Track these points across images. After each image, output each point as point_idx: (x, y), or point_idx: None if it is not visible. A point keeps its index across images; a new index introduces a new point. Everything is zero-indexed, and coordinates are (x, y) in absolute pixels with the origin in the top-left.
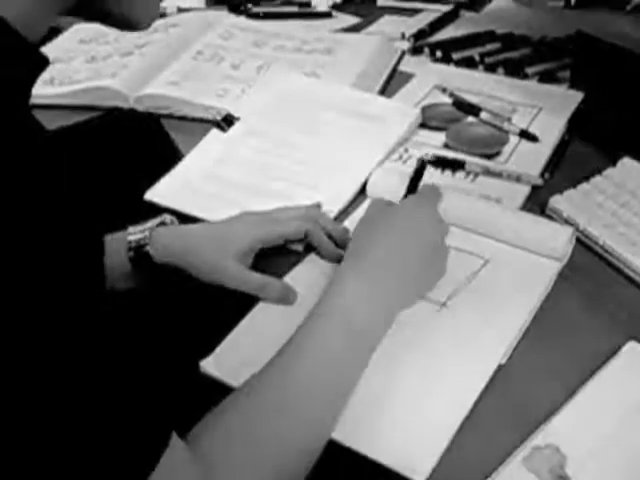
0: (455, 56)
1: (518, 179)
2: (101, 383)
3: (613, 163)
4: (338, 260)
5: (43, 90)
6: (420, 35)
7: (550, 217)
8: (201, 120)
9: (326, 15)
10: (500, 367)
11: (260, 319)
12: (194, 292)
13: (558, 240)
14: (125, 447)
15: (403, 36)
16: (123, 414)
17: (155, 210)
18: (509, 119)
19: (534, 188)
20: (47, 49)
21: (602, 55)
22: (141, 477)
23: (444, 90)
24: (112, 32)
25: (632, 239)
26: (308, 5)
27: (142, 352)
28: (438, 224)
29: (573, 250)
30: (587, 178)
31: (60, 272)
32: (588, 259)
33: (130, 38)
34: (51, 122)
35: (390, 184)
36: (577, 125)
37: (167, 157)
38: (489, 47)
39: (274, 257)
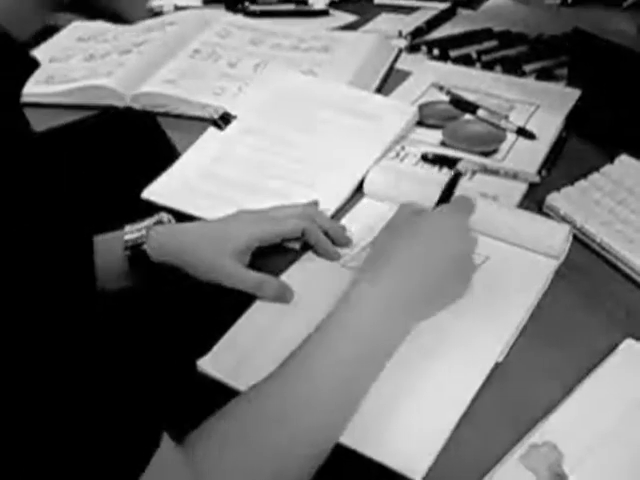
0: (452, 54)
1: (515, 177)
2: (92, 382)
3: (611, 160)
4: (335, 258)
5: (40, 89)
6: (417, 33)
7: (547, 215)
8: (198, 118)
9: (323, 13)
10: (497, 365)
11: (257, 318)
12: (191, 291)
13: (555, 238)
14: (116, 447)
15: (400, 34)
16: (114, 414)
17: (152, 209)
18: (506, 117)
19: (531, 186)
20: (45, 47)
21: (599, 52)
22: (131, 477)
23: (441, 88)
24: (111, 30)
25: (629, 236)
26: (305, 3)
27: (139, 351)
28: (467, 237)
29: (570, 248)
30: (584, 175)
31: (48, 271)
32: (585, 257)
33: (128, 36)
34: (48, 121)
35: (387, 182)
36: (574, 122)
37: (164, 155)
38: (486, 45)
39: (271, 255)
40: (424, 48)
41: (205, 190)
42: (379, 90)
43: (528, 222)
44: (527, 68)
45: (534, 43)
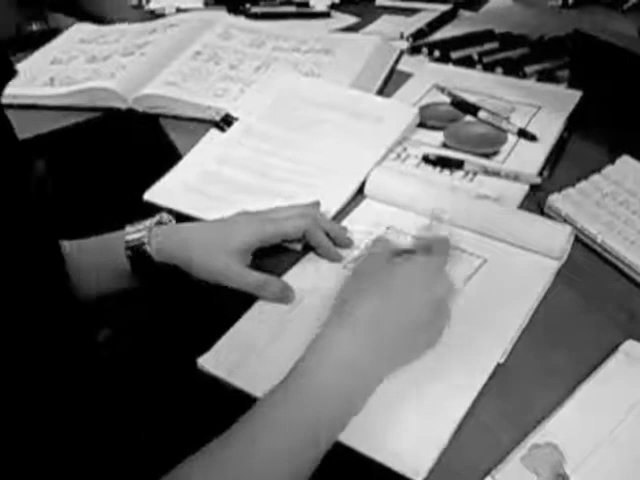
0: (453, 55)
1: (516, 178)
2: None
3: (612, 161)
4: (336, 259)
5: (43, 91)
6: (418, 35)
7: (549, 216)
8: (200, 120)
9: (324, 15)
10: (498, 366)
11: (258, 317)
12: (192, 290)
13: (556, 239)
14: None
15: (401, 36)
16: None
17: (154, 210)
18: (507, 118)
19: (532, 187)
20: (47, 49)
21: (600, 54)
22: None
23: (442, 89)
24: (113, 32)
25: (631, 237)
26: (306, 5)
27: (140, 349)
28: (440, 285)
29: (571, 249)
30: (586, 177)
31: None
32: (587, 258)
33: (130, 38)
34: (51, 123)
35: (389, 183)
36: (576, 124)
37: (166, 157)
38: (487, 46)
39: (272, 256)
40: (425, 50)
41: (207, 192)
42: (380, 92)
43: (529, 223)
44: (528, 70)
45: (535, 45)
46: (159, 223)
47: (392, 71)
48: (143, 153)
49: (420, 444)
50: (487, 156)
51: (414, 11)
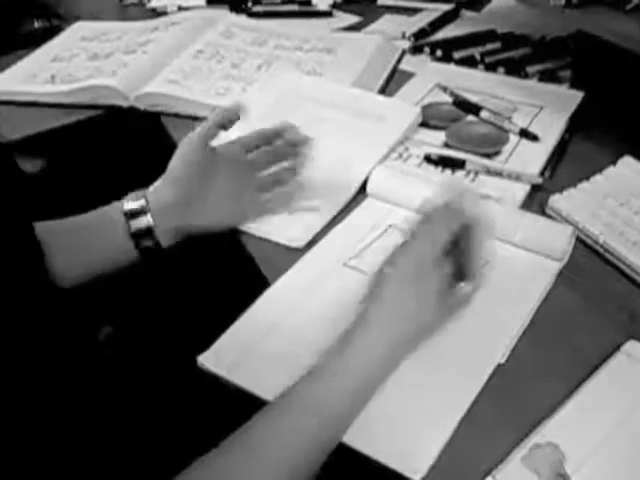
0: (456, 55)
1: (518, 178)
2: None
3: (613, 162)
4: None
5: (44, 88)
6: (420, 34)
7: (550, 216)
8: (201, 119)
9: (326, 14)
10: (499, 366)
11: (259, 315)
12: (193, 287)
13: (558, 239)
14: None
15: (403, 35)
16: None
17: None
18: (509, 118)
19: (534, 187)
20: (49, 46)
21: (603, 54)
22: None
23: (444, 89)
24: (114, 30)
25: (632, 238)
26: (308, 4)
27: (141, 347)
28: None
29: (573, 249)
30: (587, 177)
31: None
32: (588, 258)
33: (132, 36)
34: (52, 120)
35: (390, 182)
36: (578, 124)
37: (167, 156)
38: (489, 46)
39: (273, 255)
40: (427, 49)
41: None
42: (382, 91)
43: (531, 224)
44: (530, 70)
45: (537, 45)
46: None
47: (394, 70)
48: (144, 151)
49: (420, 443)
50: (489, 156)
51: (416, 10)
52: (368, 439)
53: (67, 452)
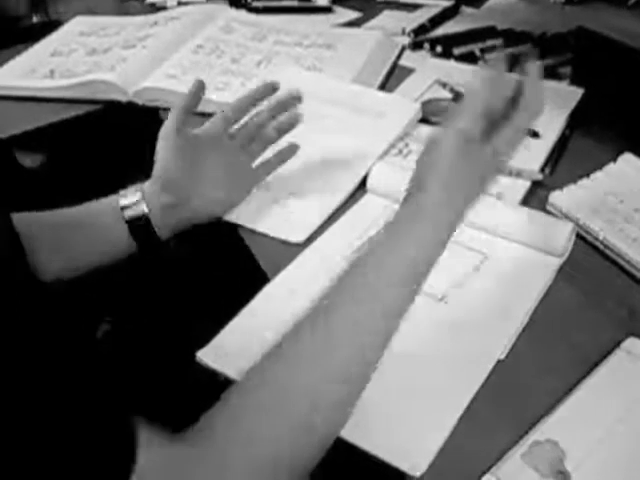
0: (456, 51)
1: (518, 174)
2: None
3: (614, 159)
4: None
5: (43, 83)
6: (420, 30)
7: (550, 213)
8: (201, 114)
9: (326, 10)
10: (499, 362)
11: (258, 310)
12: (192, 283)
13: (558, 236)
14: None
15: (403, 31)
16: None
17: None
18: None
19: (534, 183)
20: (47, 41)
21: (603, 51)
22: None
23: (444, 85)
24: (113, 25)
25: (632, 235)
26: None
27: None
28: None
29: (573, 246)
30: (587, 174)
31: None
32: (588, 255)
33: (131, 31)
34: (51, 115)
35: (390, 178)
36: (578, 121)
37: None
38: (489, 42)
39: (272, 250)
40: (427, 45)
41: None
42: (382, 87)
43: (531, 220)
44: None
45: (538, 41)
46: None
47: (394, 66)
48: (143, 146)
49: (420, 440)
50: None
51: (416, 6)
52: (368, 436)
53: (66, 450)
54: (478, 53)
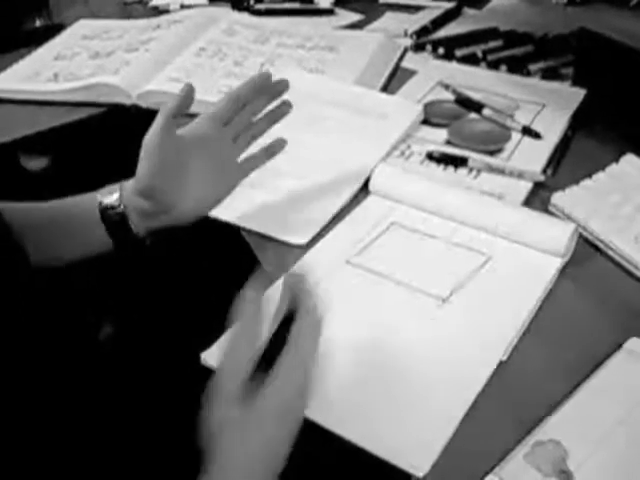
0: (458, 53)
1: (520, 176)
2: None
3: (616, 160)
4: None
5: (46, 86)
6: (423, 32)
7: (553, 213)
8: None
9: (329, 12)
10: (501, 363)
11: (262, 311)
12: (197, 283)
13: (560, 237)
14: None
15: (405, 33)
16: None
17: None
18: (511, 116)
19: (536, 185)
20: (51, 45)
21: (605, 52)
22: None
23: (447, 87)
24: (116, 28)
25: (634, 236)
26: (311, 2)
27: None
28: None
29: (575, 246)
30: (590, 175)
31: None
32: (590, 255)
33: (134, 34)
34: (54, 118)
35: (393, 180)
36: (580, 122)
37: None
38: (492, 44)
39: (275, 253)
40: (429, 47)
41: None
42: (385, 89)
43: (533, 220)
44: (533, 67)
45: (540, 42)
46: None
47: (396, 68)
48: None
49: (422, 440)
50: (491, 153)
51: (418, 8)
52: (371, 436)
53: (68, 451)
54: (480, 54)
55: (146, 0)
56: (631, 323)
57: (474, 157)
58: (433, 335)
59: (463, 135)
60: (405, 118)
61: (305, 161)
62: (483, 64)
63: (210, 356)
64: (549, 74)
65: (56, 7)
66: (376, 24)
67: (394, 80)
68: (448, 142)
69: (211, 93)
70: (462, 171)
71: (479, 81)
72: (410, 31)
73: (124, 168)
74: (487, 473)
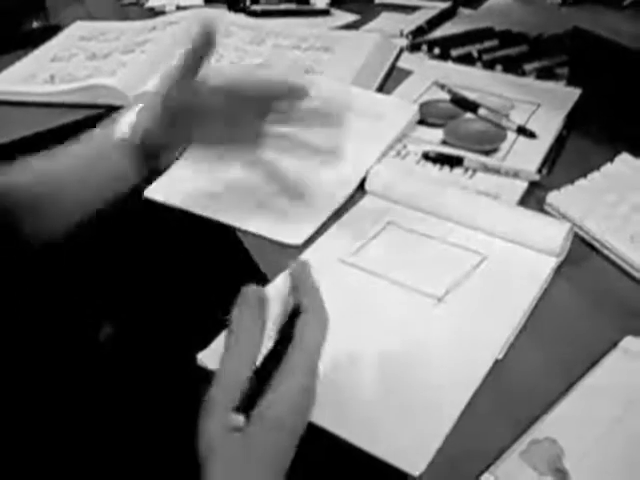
0: (453, 53)
1: (516, 175)
2: None
3: (611, 159)
4: None
5: (43, 88)
6: (418, 32)
7: (548, 213)
8: None
9: (324, 12)
10: (497, 362)
11: None
12: (191, 285)
13: (556, 236)
14: None
15: (401, 33)
16: None
17: (154, 208)
18: (507, 115)
19: (532, 184)
20: (47, 46)
21: (599, 51)
22: None
23: (442, 87)
24: (113, 30)
25: (630, 235)
26: (306, 2)
27: (141, 345)
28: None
29: (571, 246)
30: (585, 174)
31: None
32: (586, 255)
33: (130, 36)
34: (51, 120)
35: (389, 180)
36: (575, 121)
37: None
38: (487, 44)
39: (271, 253)
40: (425, 47)
41: (207, 189)
42: (380, 89)
43: (529, 220)
44: (527, 67)
45: (535, 42)
46: None
47: (392, 68)
48: None
49: (418, 439)
50: (487, 153)
51: (414, 8)
52: (366, 435)
53: (68, 450)
54: (475, 54)
55: (142, 1)
56: (626, 322)
57: (470, 157)
58: (429, 334)
59: (459, 135)
60: (401, 118)
61: (301, 161)
62: (478, 64)
63: (206, 357)
64: (544, 74)
65: (53, 8)
66: (372, 24)
67: (390, 80)
68: (444, 142)
69: None
70: (458, 171)
71: (474, 81)
72: (406, 31)
73: None
74: (483, 472)
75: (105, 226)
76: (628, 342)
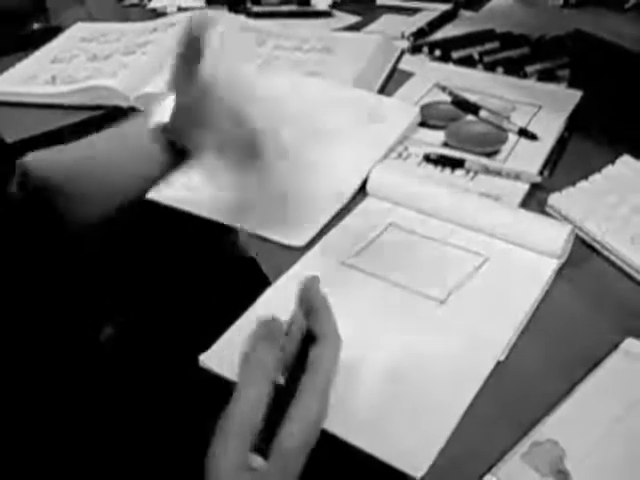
0: (454, 55)
1: (517, 177)
2: None
3: (612, 161)
4: None
5: (44, 89)
6: (419, 34)
7: (549, 215)
8: None
9: (326, 14)
10: (498, 364)
11: (259, 314)
12: (194, 287)
13: (557, 238)
14: None
15: (402, 35)
16: None
17: (156, 210)
18: (508, 117)
19: (533, 186)
20: (48, 48)
21: (601, 54)
22: None
23: (443, 89)
24: (114, 31)
25: (631, 236)
26: (307, 4)
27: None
28: None
29: (572, 247)
30: (586, 176)
31: None
32: (587, 256)
33: (132, 37)
34: (52, 121)
35: (390, 182)
36: (576, 123)
37: None
38: (488, 46)
39: (272, 255)
40: (426, 49)
41: (210, 191)
42: (382, 91)
43: (530, 222)
44: (529, 69)
45: (536, 44)
46: None
47: (393, 70)
48: None
49: (420, 441)
50: (488, 155)
51: (415, 10)
52: (368, 437)
53: (68, 451)
54: (477, 56)
55: (144, 3)
56: (627, 324)
57: (471, 159)
58: (431, 336)
59: (460, 137)
60: (402, 120)
61: (303, 163)
62: (479, 66)
63: (208, 358)
64: (545, 76)
65: (54, 10)
66: (373, 26)
67: (391, 82)
68: (445, 144)
69: None
70: (459, 173)
71: (476, 83)
72: (407, 33)
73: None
74: (485, 473)
75: (107, 226)
76: (629, 344)
